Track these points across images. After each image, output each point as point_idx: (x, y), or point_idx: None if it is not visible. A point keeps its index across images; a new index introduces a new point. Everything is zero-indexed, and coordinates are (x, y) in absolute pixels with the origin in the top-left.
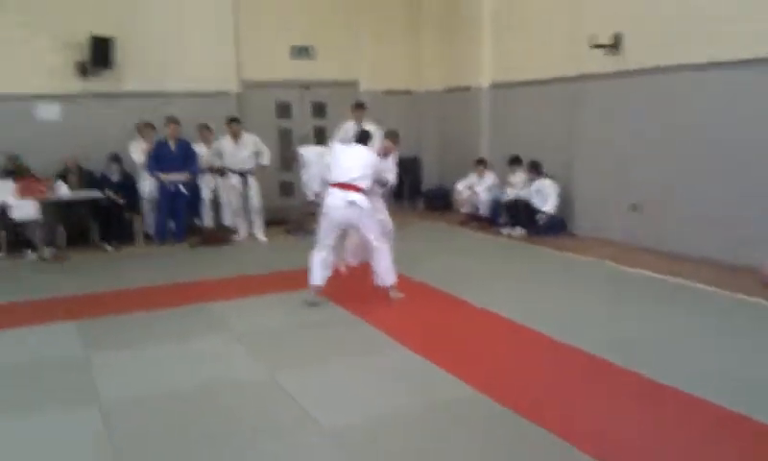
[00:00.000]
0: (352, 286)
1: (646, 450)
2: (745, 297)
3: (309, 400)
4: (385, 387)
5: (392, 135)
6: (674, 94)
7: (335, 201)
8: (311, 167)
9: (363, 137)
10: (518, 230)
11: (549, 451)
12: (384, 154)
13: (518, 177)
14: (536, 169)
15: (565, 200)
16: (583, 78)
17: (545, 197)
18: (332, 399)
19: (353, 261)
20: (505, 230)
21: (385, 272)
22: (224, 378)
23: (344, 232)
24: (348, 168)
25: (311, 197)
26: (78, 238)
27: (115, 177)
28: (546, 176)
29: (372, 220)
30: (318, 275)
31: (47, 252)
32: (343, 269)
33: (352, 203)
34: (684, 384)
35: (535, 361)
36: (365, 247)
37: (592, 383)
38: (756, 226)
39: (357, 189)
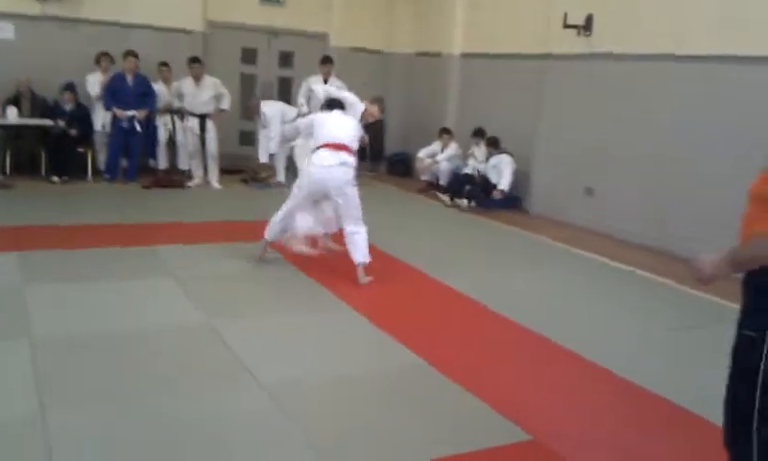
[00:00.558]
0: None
1: (582, 430)
2: (677, 285)
3: (247, 352)
4: (327, 347)
5: (379, 102)
6: (637, 82)
7: (325, 159)
8: (272, 125)
9: (338, 104)
10: (464, 203)
11: (487, 424)
12: (364, 118)
13: (481, 149)
14: (494, 144)
15: (524, 177)
16: (550, 57)
17: (501, 172)
18: (270, 353)
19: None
20: (443, 197)
21: (362, 250)
22: (161, 323)
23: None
24: (336, 130)
25: (264, 159)
26: (26, 167)
27: (68, 106)
28: (505, 152)
29: (356, 192)
30: (273, 230)
31: None
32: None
33: (345, 163)
34: (620, 368)
35: (481, 334)
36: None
37: (535, 359)
38: (699, 220)
39: (349, 151)
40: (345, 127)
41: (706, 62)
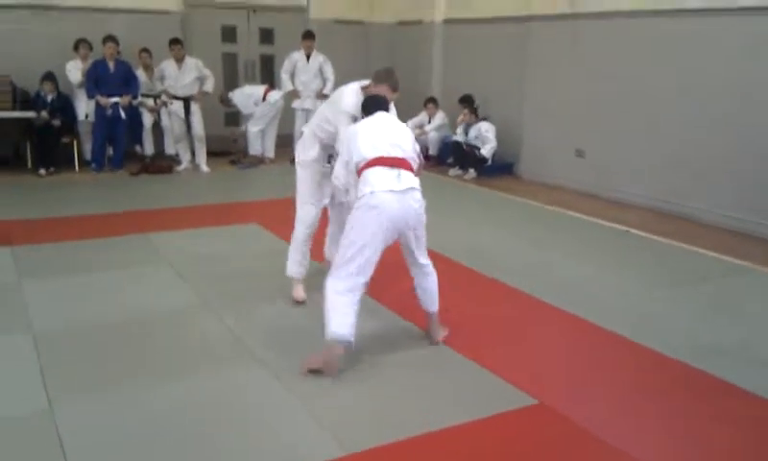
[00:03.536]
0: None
1: (572, 384)
2: (673, 242)
3: (247, 334)
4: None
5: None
6: (622, 41)
7: (390, 182)
8: (246, 110)
9: (380, 103)
10: (471, 173)
11: (492, 391)
12: None
13: (468, 117)
14: (470, 107)
15: (514, 143)
16: (533, 18)
17: (484, 141)
18: (271, 335)
19: None
20: (453, 172)
21: (435, 296)
22: (160, 310)
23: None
24: (390, 139)
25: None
26: (11, 161)
27: (50, 96)
28: (484, 119)
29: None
30: (345, 322)
31: None
32: None
33: (413, 187)
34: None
35: (479, 299)
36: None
37: (537, 325)
38: (692, 176)
39: (410, 169)
40: (399, 134)
41: (692, 17)
